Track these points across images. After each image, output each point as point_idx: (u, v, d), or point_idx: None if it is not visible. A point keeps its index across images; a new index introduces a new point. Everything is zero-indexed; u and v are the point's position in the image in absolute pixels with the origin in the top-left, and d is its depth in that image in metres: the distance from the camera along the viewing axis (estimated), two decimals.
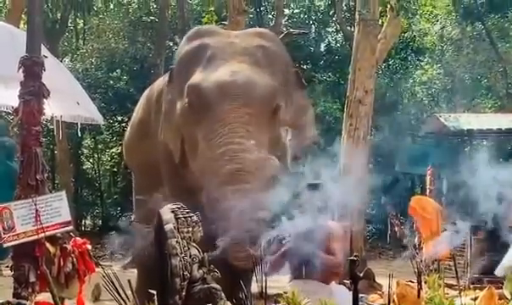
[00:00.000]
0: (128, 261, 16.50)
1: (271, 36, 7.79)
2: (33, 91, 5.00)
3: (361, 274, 3.59)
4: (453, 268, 10.47)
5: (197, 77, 6.85)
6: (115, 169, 23.42)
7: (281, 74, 7.09)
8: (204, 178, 6.43)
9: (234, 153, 6.26)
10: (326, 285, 5.10)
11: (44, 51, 5.42)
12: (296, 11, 24.61)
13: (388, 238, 19.60)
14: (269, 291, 4.10)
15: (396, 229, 12.74)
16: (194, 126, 6.78)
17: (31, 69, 5.00)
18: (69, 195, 5.34)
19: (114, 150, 22.82)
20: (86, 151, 24.82)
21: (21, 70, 5.01)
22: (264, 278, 4.00)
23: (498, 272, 10.34)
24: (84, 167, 24.62)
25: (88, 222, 23.89)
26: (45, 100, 5.08)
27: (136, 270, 14.33)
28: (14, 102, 5.22)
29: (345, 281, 5.18)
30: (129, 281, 3.85)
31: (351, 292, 3.81)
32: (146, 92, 8.76)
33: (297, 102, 7.38)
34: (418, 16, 24.69)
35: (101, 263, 5.63)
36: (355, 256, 3.61)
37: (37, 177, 5.00)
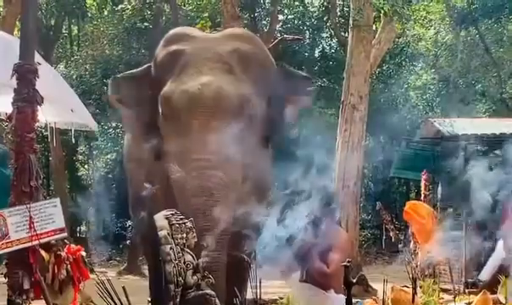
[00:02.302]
0: (123, 267, 16.47)
1: (249, 37, 7.65)
2: (27, 97, 5.00)
3: (354, 280, 3.59)
4: (449, 272, 10.52)
5: (169, 87, 6.79)
6: (110, 176, 23.36)
7: (258, 78, 7.00)
8: (176, 190, 6.42)
9: (201, 170, 6.23)
10: (324, 291, 5.08)
11: (38, 58, 5.42)
12: (290, 17, 24.60)
13: (383, 243, 19.61)
14: (270, 297, 4.11)
15: (391, 234, 12.75)
16: (168, 137, 6.75)
17: (25, 75, 5.00)
18: (64, 201, 5.33)
19: (108, 156, 22.77)
20: (80, 157, 24.78)
21: (15, 77, 5.01)
22: (258, 284, 3.99)
23: (482, 276, 10.38)
24: (79, 173, 24.57)
25: (83, 228, 23.84)
26: (39, 107, 5.07)
27: (130, 276, 14.27)
28: (8, 108, 5.21)
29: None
30: (123, 288, 3.84)
31: None
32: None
33: (280, 97, 7.27)
34: (412, 21, 24.68)
35: (96, 269, 5.62)
36: (348, 262, 3.61)
37: (31, 184, 4.99)
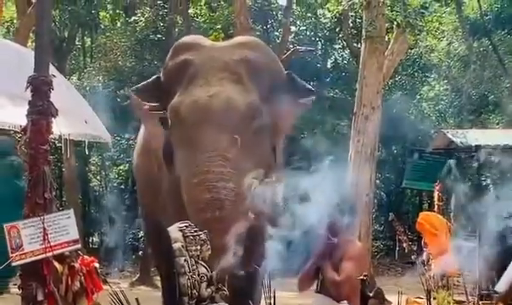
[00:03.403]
0: (135, 278, 16.48)
1: (257, 45, 7.60)
2: (41, 110, 5.01)
3: (371, 294, 3.57)
4: (462, 284, 10.48)
5: (177, 98, 6.77)
6: (123, 186, 23.42)
7: (266, 87, 6.97)
8: (186, 203, 6.39)
9: (211, 183, 6.19)
10: (337, 302, 5.07)
11: (52, 69, 5.44)
12: (302, 28, 24.63)
13: (396, 254, 19.54)
14: None
15: (404, 245, 12.70)
16: (177, 149, 6.73)
17: (39, 88, 5.01)
18: (77, 212, 5.34)
19: (121, 167, 22.84)
20: (93, 168, 24.83)
21: (29, 89, 5.02)
22: (271, 294, 3.98)
23: (499, 287, 10.29)
24: (91, 184, 24.62)
25: (95, 239, 23.88)
26: (53, 119, 5.08)
27: (142, 287, 14.26)
28: (22, 120, 5.23)
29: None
30: (137, 299, 3.84)
31: None
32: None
33: (287, 106, 7.25)
34: (424, 32, 24.62)
35: (108, 280, 5.63)
36: (365, 275, 3.59)
37: (45, 196, 5.00)
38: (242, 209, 6.10)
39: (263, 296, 4.62)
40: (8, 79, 6.46)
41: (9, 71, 6.61)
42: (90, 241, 22.94)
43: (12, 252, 4.74)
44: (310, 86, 7.62)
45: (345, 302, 5.06)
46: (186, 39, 7.95)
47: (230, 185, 6.10)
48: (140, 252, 18.96)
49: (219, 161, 6.18)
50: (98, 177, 25.18)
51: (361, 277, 3.53)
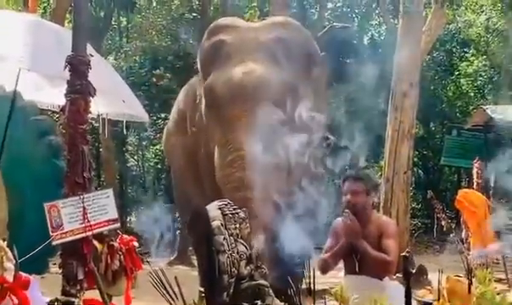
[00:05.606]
0: (173, 257, 16.59)
1: (292, 25, 7.58)
2: (79, 89, 5.03)
3: (414, 270, 3.53)
4: (502, 262, 10.35)
5: (212, 78, 6.77)
6: (159, 166, 23.53)
7: (300, 67, 6.93)
8: (219, 182, 6.38)
9: (243, 160, 6.16)
10: (380, 280, 5.00)
11: (90, 49, 5.45)
12: (339, 4, 24.44)
13: (435, 232, 19.40)
14: (320, 287, 4.06)
15: (442, 223, 12.59)
16: (212, 129, 6.73)
17: (77, 67, 5.03)
18: (115, 192, 5.38)
19: (157, 147, 22.93)
20: (130, 148, 24.98)
21: (67, 69, 5.04)
22: (312, 274, 3.95)
23: None
24: (128, 164, 24.78)
25: (133, 219, 24.07)
26: (91, 98, 5.10)
27: (180, 266, 14.35)
28: (61, 100, 5.25)
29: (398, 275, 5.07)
30: (175, 278, 3.83)
31: (403, 288, 3.75)
32: (184, 88, 8.73)
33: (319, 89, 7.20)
34: (463, 7, 24.31)
35: (147, 260, 5.65)
36: (407, 252, 3.54)
37: (84, 175, 5.03)
38: (275, 188, 6.07)
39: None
40: (46, 59, 6.50)
41: (47, 52, 6.65)
42: (127, 220, 23.12)
43: (52, 232, 4.78)
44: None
45: (386, 278, 5.01)
46: (221, 20, 7.99)
47: (263, 165, 6.09)
48: (177, 232, 19.07)
49: (253, 139, 6.19)
50: (135, 157, 25.32)
51: (404, 254, 3.48)
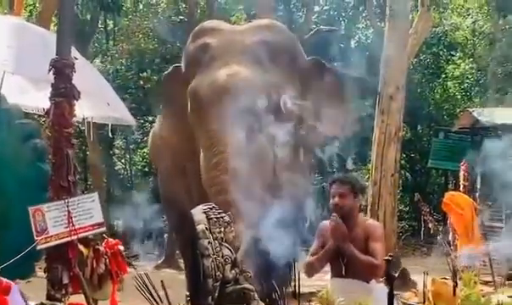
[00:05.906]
0: (161, 261, 16.55)
1: (277, 28, 7.60)
2: (64, 92, 5.01)
3: (396, 274, 3.53)
4: (488, 264, 10.37)
5: (196, 81, 6.77)
6: (147, 169, 23.48)
7: (287, 69, 6.94)
8: (205, 185, 6.38)
9: (227, 162, 6.16)
10: (366, 283, 4.99)
11: (74, 52, 5.43)
12: (326, 8, 24.46)
13: (422, 235, 19.44)
14: (306, 290, 4.06)
15: (429, 225, 12.61)
16: (197, 131, 6.73)
17: (62, 70, 5.01)
18: (101, 196, 5.35)
19: (145, 150, 22.86)
20: (117, 151, 24.91)
21: (52, 72, 5.02)
22: (297, 277, 3.95)
23: None
24: (115, 167, 24.70)
25: (120, 222, 23.98)
26: (76, 101, 5.08)
27: (167, 270, 14.33)
28: (46, 104, 5.23)
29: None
30: (162, 282, 3.82)
31: None
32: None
33: (315, 92, 7.20)
34: (449, 10, 24.40)
35: (134, 263, 5.64)
36: (390, 255, 3.54)
37: (69, 179, 5.01)
38: (261, 190, 6.06)
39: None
40: (31, 62, 6.47)
41: (32, 55, 6.62)
42: (115, 224, 23.04)
43: (37, 236, 4.76)
44: (334, 68, 7.64)
45: (373, 281, 5.00)
46: (206, 23, 7.99)
47: (248, 167, 6.08)
48: (165, 235, 19.02)
49: (237, 141, 6.20)
50: (123, 160, 25.25)
51: (387, 258, 3.48)
